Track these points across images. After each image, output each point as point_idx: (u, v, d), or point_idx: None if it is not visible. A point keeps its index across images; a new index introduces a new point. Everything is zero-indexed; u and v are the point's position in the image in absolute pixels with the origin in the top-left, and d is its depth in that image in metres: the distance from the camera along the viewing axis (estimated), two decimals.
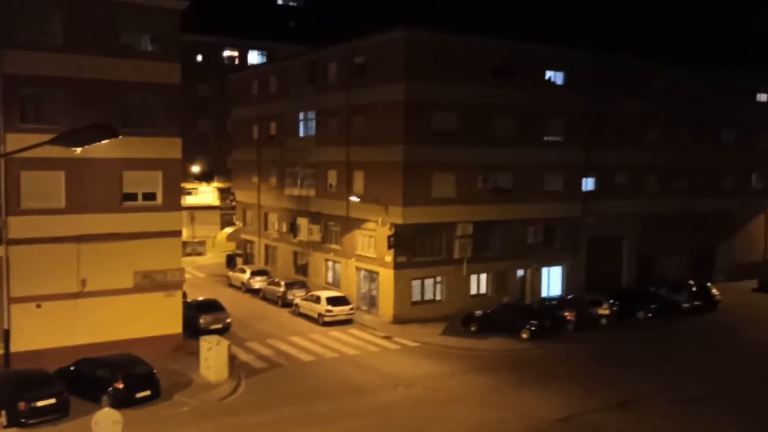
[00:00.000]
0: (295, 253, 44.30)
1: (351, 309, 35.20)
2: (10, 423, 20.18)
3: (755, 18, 57.12)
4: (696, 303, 38.51)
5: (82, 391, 22.60)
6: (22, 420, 20.25)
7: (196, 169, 58.95)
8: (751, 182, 49.00)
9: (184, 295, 31.45)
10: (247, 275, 43.27)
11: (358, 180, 37.33)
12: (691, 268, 46.14)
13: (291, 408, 22.89)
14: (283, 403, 23.43)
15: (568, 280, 40.65)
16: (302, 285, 39.98)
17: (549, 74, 39.01)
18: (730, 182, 47.64)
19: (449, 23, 44.54)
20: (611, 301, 36.31)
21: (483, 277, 37.65)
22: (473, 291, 37.36)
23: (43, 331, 26.05)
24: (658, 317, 36.72)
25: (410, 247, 35.08)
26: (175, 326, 29.17)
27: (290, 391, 24.79)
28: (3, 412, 20.28)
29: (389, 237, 34.60)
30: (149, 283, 28.21)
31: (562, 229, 40.14)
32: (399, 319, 34.85)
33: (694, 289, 39.59)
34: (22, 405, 20.24)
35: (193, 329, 30.99)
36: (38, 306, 26.05)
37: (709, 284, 40.92)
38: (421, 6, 66.71)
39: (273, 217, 46.73)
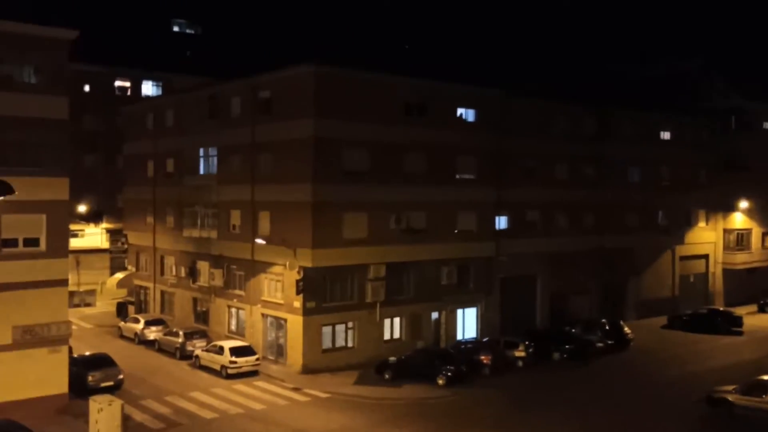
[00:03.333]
0: (195, 300, 43.27)
1: (257, 359, 34.70)
2: None
3: (658, 60, 61.76)
4: (609, 342, 40.46)
5: None
6: None
7: (82, 208, 56.76)
8: (657, 219, 52.38)
9: (70, 350, 30.04)
10: (140, 325, 41.87)
11: (264, 221, 37.16)
12: (602, 305, 48.50)
13: None
14: None
15: (483, 322, 41.76)
16: (203, 334, 39.06)
17: (460, 111, 40.58)
18: (637, 219, 50.72)
19: (358, 59, 45.56)
20: (527, 342, 37.56)
21: (397, 321, 38.10)
22: (387, 336, 37.68)
23: None
24: (573, 357, 38.29)
25: (320, 292, 35.12)
26: (60, 385, 27.77)
27: None
28: None
29: (298, 281, 34.52)
30: (31, 338, 26.83)
31: (475, 269, 41.35)
32: (309, 369, 34.66)
33: (607, 327, 41.61)
34: None
35: (80, 388, 29.64)
36: None
37: (621, 322, 43.14)
38: (325, 41, 67.99)
39: (170, 261, 45.58)
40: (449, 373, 32.93)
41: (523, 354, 36.84)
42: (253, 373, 34.37)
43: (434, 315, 39.73)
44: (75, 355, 31.96)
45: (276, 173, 36.40)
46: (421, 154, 38.30)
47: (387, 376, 33.83)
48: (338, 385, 32.76)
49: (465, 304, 41.01)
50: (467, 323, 41.30)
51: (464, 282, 40.81)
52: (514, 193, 42.75)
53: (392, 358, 34.58)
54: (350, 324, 36.42)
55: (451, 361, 33.55)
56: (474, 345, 36.86)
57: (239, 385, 32.77)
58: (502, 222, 42.75)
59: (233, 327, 40.15)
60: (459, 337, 40.43)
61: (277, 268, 36.40)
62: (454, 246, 39.69)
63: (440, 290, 39.57)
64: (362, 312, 36.54)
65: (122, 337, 43.02)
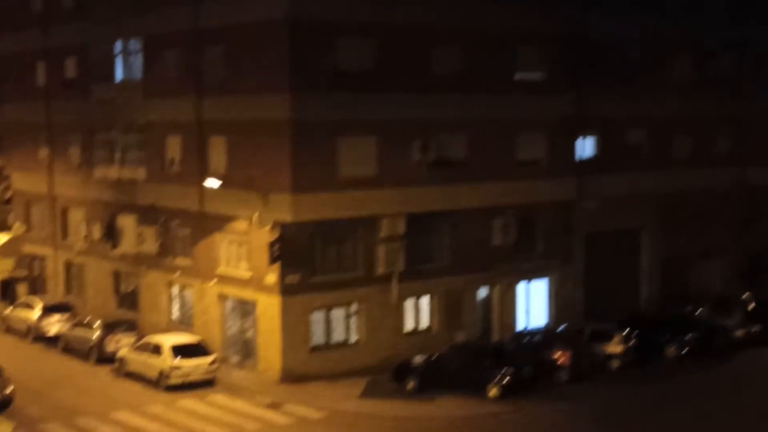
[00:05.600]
0: (117, 274, 43.80)
1: (212, 362, 35.23)
2: None
3: None
4: (754, 329, 40.60)
5: None
6: None
7: None
8: None
9: None
10: (36, 313, 42.53)
11: (217, 151, 37.27)
12: (744, 275, 48.42)
13: None
14: None
15: (557, 302, 42.02)
16: (130, 327, 39.60)
17: None
18: None
19: None
20: (626, 332, 37.84)
21: (424, 302, 38.28)
22: (409, 325, 37.93)
23: None
24: (697, 353, 38.46)
25: (306, 260, 35.37)
26: None
27: None
28: None
29: (271, 244, 34.86)
30: None
31: (545, 222, 41.31)
32: (292, 376, 35.11)
33: (751, 307, 41.68)
34: None
35: None
36: None
37: None
38: None
39: (77, 216, 45.97)
40: (506, 380, 33.23)
41: (620, 350, 37.04)
42: (206, 383, 34.84)
43: (482, 292, 39.92)
44: None
45: (234, 77, 36.25)
46: (457, 44, 38.02)
47: (410, 385, 34.20)
48: (337, 399, 33.06)
49: (530, 276, 41.16)
50: (533, 304, 41.55)
51: (528, 242, 40.86)
52: (606, 103, 42.41)
53: (418, 359, 34.89)
54: (353, 308, 36.70)
55: (509, 362, 33.86)
56: (544, 337, 37.05)
57: (186, 401, 33.17)
58: (586, 148, 42.58)
59: (176, 314, 40.71)
60: (520, 325, 40.72)
61: (239, 225, 36.66)
62: (512, 186, 39.63)
63: (491, 255, 39.63)
64: (371, 289, 36.83)
65: (9, 330, 43.72)
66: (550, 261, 41.69)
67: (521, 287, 41.17)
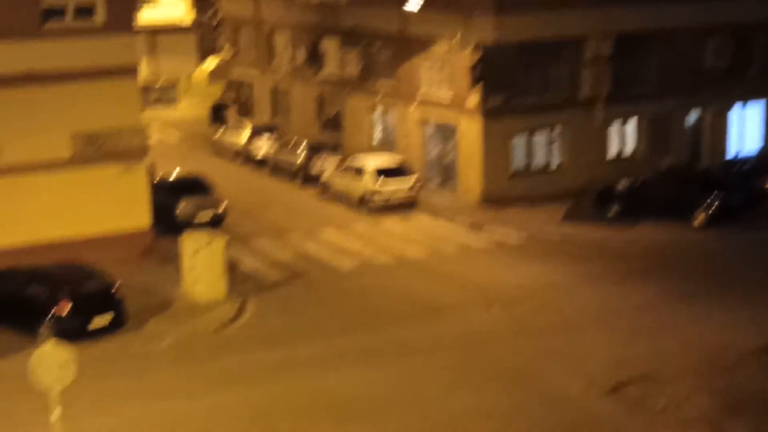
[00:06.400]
0: (320, 98, 44.62)
1: (414, 185, 35.84)
2: None
3: None
4: None
5: (9, 319, 24.16)
6: None
7: None
8: None
9: (151, 170, 32.42)
10: (244, 136, 44.05)
11: None
12: None
13: (323, 341, 24.01)
14: (311, 333, 24.58)
15: None
16: (334, 149, 40.61)
17: None
18: None
19: None
20: None
21: (629, 127, 37.61)
22: (613, 151, 37.50)
23: None
24: None
25: (508, 83, 34.98)
26: (141, 218, 30.33)
27: (322, 315, 25.93)
28: None
29: (473, 66, 34.55)
30: (96, 150, 29.15)
31: (763, 43, 39.37)
32: (491, 200, 35.40)
33: None
34: None
35: (168, 222, 32.06)
36: None
37: None
38: None
39: (281, 40, 46.77)
40: (714, 208, 32.52)
41: None
42: (408, 205, 35.57)
43: (691, 117, 38.78)
44: (157, 178, 34.51)
45: None
46: None
47: (612, 211, 33.96)
48: (537, 224, 33.35)
49: (744, 100, 39.62)
50: (746, 130, 40.14)
51: (743, 64, 39.07)
52: None
53: (621, 184, 34.46)
54: (555, 132, 36.37)
55: (718, 189, 32.98)
56: (756, 165, 35.94)
57: (389, 222, 34.21)
58: None
59: (378, 137, 41.38)
60: (731, 152, 39.50)
61: (441, 47, 36.42)
62: (728, 4, 37.70)
63: (702, 78, 38.30)
64: (574, 113, 36.25)
65: (219, 153, 45.63)
66: (766, 85, 39.71)
67: (734, 112, 39.65)
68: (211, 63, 52.85)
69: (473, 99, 35.11)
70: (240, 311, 26.21)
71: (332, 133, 43.65)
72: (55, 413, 14.14)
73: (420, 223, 34.08)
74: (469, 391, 20.85)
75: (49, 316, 23.45)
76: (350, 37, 41.08)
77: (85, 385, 18.52)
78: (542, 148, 36.50)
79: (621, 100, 36.71)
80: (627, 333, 24.04)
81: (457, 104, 36.06)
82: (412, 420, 19.53)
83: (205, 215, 33.13)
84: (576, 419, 19.49)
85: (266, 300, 27.13)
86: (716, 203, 32.42)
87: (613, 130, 37.39)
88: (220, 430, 19.37)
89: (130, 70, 29.70)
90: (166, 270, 28.81)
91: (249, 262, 30.20)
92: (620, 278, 28.12)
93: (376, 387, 21.21)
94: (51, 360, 14.31)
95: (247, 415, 19.91)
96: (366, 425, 19.37)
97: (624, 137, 37.73)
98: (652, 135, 38.00)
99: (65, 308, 23.49)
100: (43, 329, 23.25)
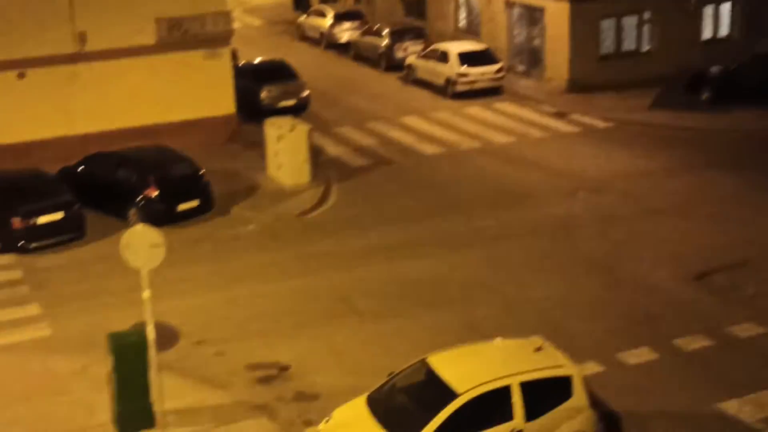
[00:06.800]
0: None
1: (499, 70, 35.40)
2: (5, 247, 22.67)
3: None
4: None
5: (99, 202, 24.76)
6: (20, 243, 22.66)
7: None
8: None
9: (234, 56, 32.50)
10: (328, 21, 43.87)
11: None
12: None
13: (406, 226, 24.17)
14: (397, 219, 24.72)
15: None
16: (418, 34, 40.22)
17: None
18: None
19: None
20: None
21: (724, 7, 36.71)
22: (706, 34, 36.70)
23: (32, 114, 28.05)
24: None
25: None
26: (225, 104, 30.60)
27: (405, 201, 26.02)
28: None
29: None
30: (180, 36, 29.28)
31: None
32: (578, 85, 34.92)
33: None
34: (17, 222, 22.52)
35: (251, 108, 32.40)
36: (21, 75, 27.84)
37: None
38: None
39: None
40: None
41: None
42: (493, 91, 35.29)
43: None
44: (241, 63, 34.65)
45: None
46: None
47: (705, 96, 33.29)
48: (625, 110, 32.86)
49: None
50: None
51: None
52: None
53: (714, 69, 33.71)
54: (646, 14, 35.55)
55: None
56: None
57: (473, 108, 33.97)
58: None
59: (462, 22, 40.81)
60: None
61: None
62: None
63: None
64: None
65: (303, 38, 45.59)
66: None
67: None
68: None
69: None
70: (323, 197, 26.45)
71: (416, 19, 43.18)
72: (146, 292, 14.48)
73: (505, 110, 33.76)
74: (553, 278, 20.90)
75: (138, 199, 23.94)
76: None
77: (172, 268, 18.91)
78: (632, 31, 35.75)
79: None
80: (714, 222, 23.77)
81: None
82: (495, 305, 19.67)
83: (288, 101, 33.36)
84: (662, 306, 19.43)
85: (349, 186, 27.33)
86: None
87: (707, 13, 36.41)
88: (302, 310, 19.79)
89: None
90: (251, 155, 29.15)
91: (332, 148, 30.36)
92: (709, 166, 27.69)
93: (459, 273, 21.34)
94: (141, 241, 14.57)
95: (329, 297, 20.30)
96: (449, 310, 19.53)
97: (718, 19, 36.72)
98: (749, 17, 36.92)
99: (153, 192, 23.93)
100: (132, 213, 23.78)
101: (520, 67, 37.49)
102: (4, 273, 21.82)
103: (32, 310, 20.04)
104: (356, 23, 43.36)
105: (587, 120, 32.24)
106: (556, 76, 35.52)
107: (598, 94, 34.52)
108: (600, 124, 31.86)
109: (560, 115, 32.84)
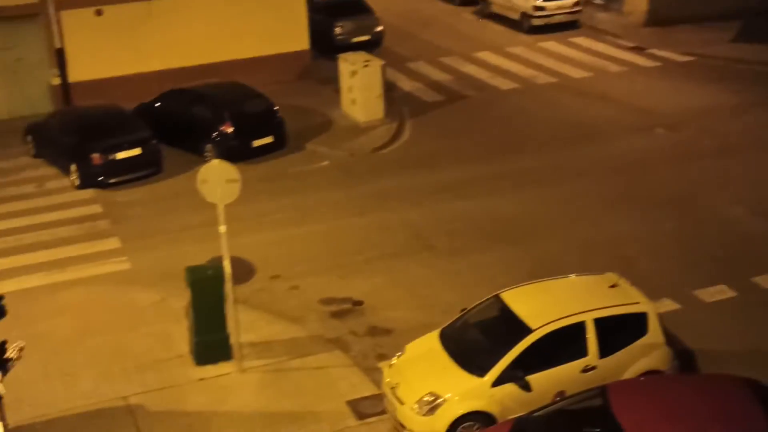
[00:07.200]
0: None
1: (576, 4, 34.89)
2: (84, 182, 23.16)
3: None
4: None
5: (176, 138, 25.09)
6: (100, 179, 23.14)
7: None
8: None
9: None
10: None
11: None
12: None
13: (480, 163, 24.09)
14: (470, 155, 24.66)
15: None
16: None
17: None
18: None
19: None
20: None
21: None
22: None
23: (109, 51, 28.45)
24: None
25: None
26: (298, 39, 30.58)
27: (479, 138, 25.90)
28: (73, 167, 23.22)
29: None
30: None
31: None
32: (658, 19, 34.35)
33: None
34: (97, 158, 22.99)
35: (325, 43, 32.39)
36: (98, 12, 28.20)
37: None
38: None
39: None
40: None
41: None
42: (569, 25, 34.92)
43: None
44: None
45: None
46: None
47: None
48: (704, 44, 32.25)
49: None
50: None
51: None
52: None
53: None
54: None
55: None
56: None
57: (549, 43, 33.60)
58: None
59: None
60: None
61: None
62: None
63: None
64: None
65: None
66: None
67: None
68: None
69: None
70: (397, 133, 26.44)
71: None
72: (222, 227, 14.69)
73: (581, 44, 33.31)
74: (628, 215, 20.72)
75: (214, 135, 24.19)
76: None
77: (247, 203, 19.24)
78: None
79: None
80: None
81: None
82: (569, 242, 19.59)
83: (362, 36, 33.29)
84: (740, 244, 19.19)
85: (424, 122, 27.27)
86: None
87: None
88: (376, 246, 19.92)
89: None
90: (324, 91, 29.19)
91: (406, 84, 30.26)
92: None
93: (533, 210, 21.28)
94: (217, 176, 14.74)
95: (402, 233, 20.40)
96: (522, 247, 19.51)
97: None
98: None
99: (228, 128, 24.14)
100: (208, 149, 24.05)
101: (598, 1, 36.82)
102: (84, 208, 22.25)
103: (112, 243, 20.47)
104: None
105: (666, 54, 31.71)
106: (635, 9, 34.91)
107: (679, 27, 33.87)
108: (679, 58, 31.31)
109: (638, 50, 32.34)
